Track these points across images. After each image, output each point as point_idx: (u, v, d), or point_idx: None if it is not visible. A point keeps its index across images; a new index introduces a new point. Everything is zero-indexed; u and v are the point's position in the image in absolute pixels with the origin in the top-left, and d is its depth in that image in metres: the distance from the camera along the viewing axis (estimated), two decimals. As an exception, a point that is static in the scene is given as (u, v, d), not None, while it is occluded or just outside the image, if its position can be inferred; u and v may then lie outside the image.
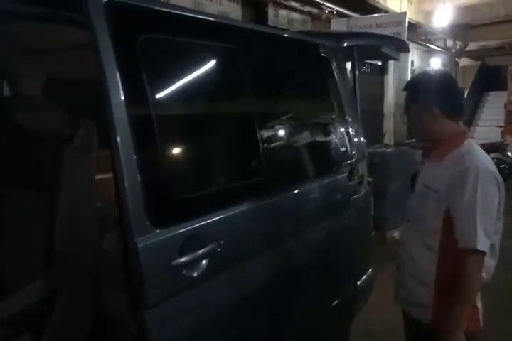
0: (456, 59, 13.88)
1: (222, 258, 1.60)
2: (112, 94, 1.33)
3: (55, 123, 2.06)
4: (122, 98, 1.35)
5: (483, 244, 1.56)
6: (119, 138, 1.33)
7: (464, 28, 11.32)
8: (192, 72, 1.74)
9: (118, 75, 1.35)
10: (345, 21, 7.75)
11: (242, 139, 2.01)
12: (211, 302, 1.60)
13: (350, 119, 2.97)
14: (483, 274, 1.66)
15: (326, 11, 7.76)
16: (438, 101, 1.73)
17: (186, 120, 1.74)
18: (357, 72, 3.28)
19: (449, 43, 12.85)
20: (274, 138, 2.16)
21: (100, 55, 1.33)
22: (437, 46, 12.55)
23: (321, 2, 7.42)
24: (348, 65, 3.35)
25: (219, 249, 1.58)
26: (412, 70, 11.42)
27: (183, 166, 1.69)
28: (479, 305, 1.73)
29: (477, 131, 12.86)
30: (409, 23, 7.97)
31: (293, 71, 2.44)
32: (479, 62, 14.72)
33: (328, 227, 2.42)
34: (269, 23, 6.56)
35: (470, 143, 1.74)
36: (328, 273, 2.39)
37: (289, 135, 2.33)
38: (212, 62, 1.86)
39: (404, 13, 8.03)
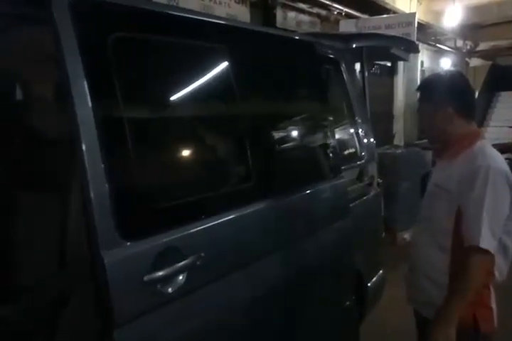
0: (467, 59, 13.78)
1: (202, 272, 1.48)
2: (76, 98, 1.23)
3: (65, 126, 2.07)
4: (89, 103, 1.25)
5: (487, 242, 1.54)
6: (84, 147, 1.23)
7: (474, 28, 11.24)
8: (170, 74, 1.62)
9: (84, 78, 1.25)
10: (353, 22, 7.73)
11: (227, 143, 1.87)
12: (190, 319, 1.46)
13: (359, 120, 2.97)
14: (496, 274, 1.65)
15: (335, 13, 7.75)
16: (452, 101, 1.73)
17: (162, 124, 1.60)
18: (366, 73, 3.29)
19: (459, 43, 12.76)
20: (269, 140, 2.05)
21: (64, 55, 1.23)
22: (447, 46, 12.48)
23: (330, 3, 7.42)
24: (358, 66, 3.35)
25: (199, 262, 1.45)
26: (422, 71, 11.37)
27: (158, 173, 1.55)
28: (493, 305, 1.71)
29: (488, 132, 12.71)
30: (418, 23, 7.93)
31: (301, 73, 2.42)
32: (490, 62, 14.60)
33: (335, 231, 2.31)
34: (278, 25, 6.57)
35: (483, 143, 1.73)
36: (336, 277, 2.32)
37: (288, 137, 2.21)
38: (195, 64, 1.72)
39: (414, 14, 8.00)
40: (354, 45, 3.04)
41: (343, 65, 2.89)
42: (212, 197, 1.65)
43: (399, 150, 6.09)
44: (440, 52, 12.72)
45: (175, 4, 4.86)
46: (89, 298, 1.31)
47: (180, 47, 1.66)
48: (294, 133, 2.28)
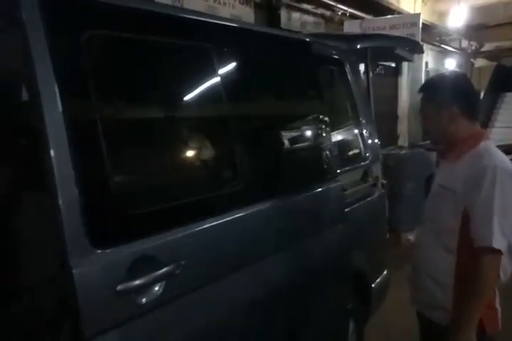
0: (472, 60, 13.73)
1: (181, 281, 1.40)
2: (45, 98, 1.17)
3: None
4: (59, 103, 1.19)
5: (499, 242, 1.54)
6: (52, 150, 1.17)
7: (479, 29, 11.20)
8: (149, 74, 1.54)
9: (54, 80, 1.18)
10: (358, 23, 7.73)
11: (209, 145, 1.76)
12: (167, 331, 1.39)
13: (364, 121, 2.97)
14: (501, 275, 1.64)
15: (339, 13, 7.75)
16: (456, 100, 1.72)
17: (136, 126, 1.50)
18: (370, 74, 3.28)
19: (464, 44, 12.72)
20: (257, 143, 1.95)
21: (32, 55, 1.16)
22: (452, 47, 12.44)
23: (334, 4, 7.41)
24: (362, 67, 3.35)
25: (178, 271, 1.37)
26: (427, 71, 11.34)
27: (133, 176, 1.46)
28: (498, 306, 1.71)
29: (493, 133, 12.66)
30: (423, 23, 7.92)
31: (305, 74, 2.40)
32: (495, 63, 14.55)
33: (328, 238, 2.23)
34: (282, 25, 6.56)
35: (487, 143, 1.72)
36: (330, 284, 2.26)
37: (280, 140, 2.11)
38: (175, 63, 1.63)
39: (418, 14, 7.99)
40: (358, 46, 3.04)
41: (348, 66, 2.89)
42: (192, 202, 1.56)
43: (403, 151, 6.09)
44: (445, 53, 12.68)
45: (179, 5, 4.87)
46: (57, 310, 1.25)
47: (158, 46, 1.58)
48: (288, 136, 2.17)
